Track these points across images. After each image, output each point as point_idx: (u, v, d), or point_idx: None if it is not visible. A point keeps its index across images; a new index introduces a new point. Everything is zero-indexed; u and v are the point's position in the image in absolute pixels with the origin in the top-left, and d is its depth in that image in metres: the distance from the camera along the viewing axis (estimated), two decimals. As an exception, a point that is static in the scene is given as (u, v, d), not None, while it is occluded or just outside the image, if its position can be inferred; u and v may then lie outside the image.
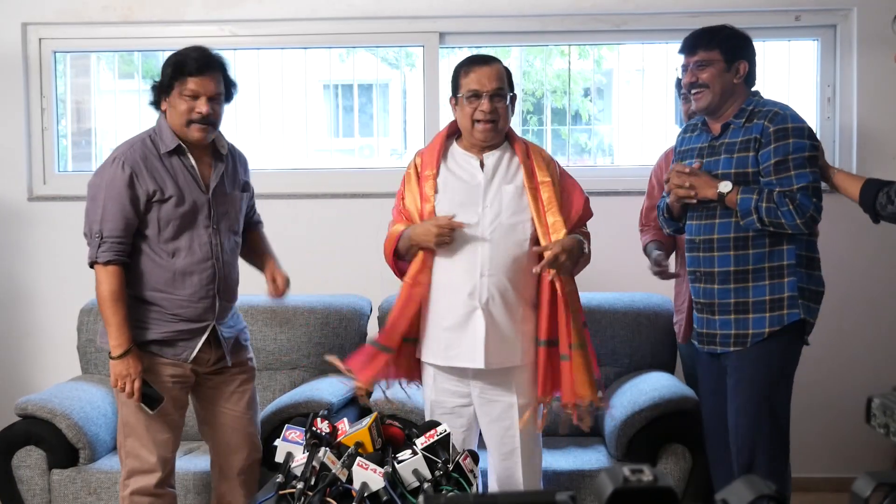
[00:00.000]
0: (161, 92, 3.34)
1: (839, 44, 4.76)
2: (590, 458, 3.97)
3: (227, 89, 3.38)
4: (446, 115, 4.92)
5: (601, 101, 5.04)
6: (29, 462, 3.92)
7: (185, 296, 3.31)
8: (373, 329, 4.55)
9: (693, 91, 3.36)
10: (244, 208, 3.52)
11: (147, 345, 3.32)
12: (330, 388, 4.07)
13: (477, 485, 2.75)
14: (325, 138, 5.26)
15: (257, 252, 3.68)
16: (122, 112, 5.16)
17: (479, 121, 3.27)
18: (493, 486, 3.43)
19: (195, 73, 3.26)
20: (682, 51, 3.42)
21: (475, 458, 2.77)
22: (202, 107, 3.26)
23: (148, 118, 4.99)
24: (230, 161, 3.47)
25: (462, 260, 3.24)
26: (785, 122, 3.25)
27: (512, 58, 4.99)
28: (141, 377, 3.25)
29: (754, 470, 3.37)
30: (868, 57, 4.68)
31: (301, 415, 3.58)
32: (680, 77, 3.62)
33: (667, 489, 0.90)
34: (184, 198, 3.29)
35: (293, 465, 2.66)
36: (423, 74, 4.89)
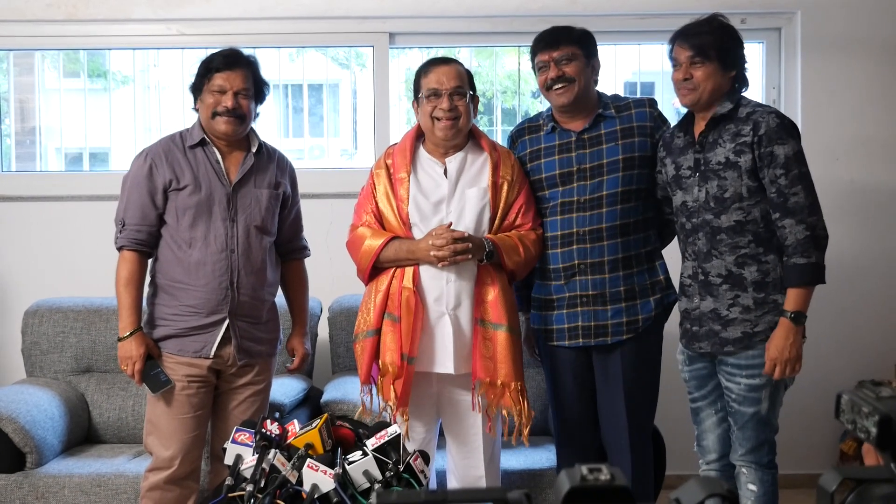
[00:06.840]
0: (195, 92, 3.47)
1: (784, 47, 4.85)
2: (540, 458, 3.99)
3: (259, 88, 3.48)
4: (396, 115, 4.92)
5: (550, 102, 5.09)
6: (-28, 467, 3.84)
7: (199, 286, 3.38)
8: (323, 330, 4.53)
9: (557, 86, 3.38)
10: (275, 208, 3.52)
11: (165, 341, 3.41)
12: (282, 389, 4.04)
13: (428, 485, 2.76)
14: (274, 139, 5.22)
15: (289, 300, 3.76)
16: (67, 111, 5.09)
17: (438, 118, 3.29)
18: (453, 486, 3.44)
19: (222, 68, 3.41)
20: (540, 48, 3.43)
21: (426, 458, 2.77)
22: (227, 101, 3.38)
23: (93, 117, 4.96)
24: (263, 159, 3.52)
25: (428, 265, 3.24)
26: (657, 105, 3.52)
27: (461, 58, 4.99)
28: (144, 360, 3.35)
29: (644, 446, 3.49)
30: (811, 59, 4.77)
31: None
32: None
33: (622, 488, 0.92)
34: (200, 187, 3.38)
35: (242, 467, 2.64)
36: (373, 74, 4.88)
